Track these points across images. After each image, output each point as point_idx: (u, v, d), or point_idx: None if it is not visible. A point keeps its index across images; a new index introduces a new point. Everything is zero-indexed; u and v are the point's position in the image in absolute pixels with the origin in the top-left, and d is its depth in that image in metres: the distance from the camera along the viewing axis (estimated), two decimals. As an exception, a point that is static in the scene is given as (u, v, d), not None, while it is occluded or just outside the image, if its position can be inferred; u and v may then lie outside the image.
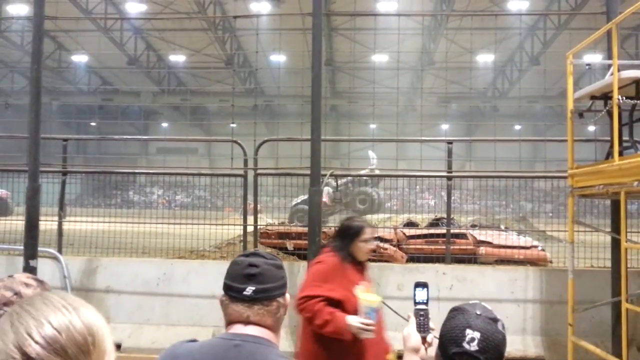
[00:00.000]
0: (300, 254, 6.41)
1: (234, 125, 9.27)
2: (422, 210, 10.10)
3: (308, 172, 5.08)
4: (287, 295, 1.61)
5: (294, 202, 17.42)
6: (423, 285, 1.75)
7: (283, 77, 27.43)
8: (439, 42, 25.17)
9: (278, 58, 26.62)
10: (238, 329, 1.50)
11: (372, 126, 27.69)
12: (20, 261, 5.04)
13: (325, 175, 5.90)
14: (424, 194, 12.12)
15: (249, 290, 1.51)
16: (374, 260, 6.24)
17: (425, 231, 7.58)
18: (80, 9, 22.79)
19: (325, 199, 19.42)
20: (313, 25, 5.41)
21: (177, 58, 30.98)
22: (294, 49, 20.53)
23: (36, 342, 0.77)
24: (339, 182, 15.07)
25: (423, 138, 8.22)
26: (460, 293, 5.60)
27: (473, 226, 8.31)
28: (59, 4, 13.36)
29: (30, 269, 4.78)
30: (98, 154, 30.43)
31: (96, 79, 33.88)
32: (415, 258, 6.58)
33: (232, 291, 1.53)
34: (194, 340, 1.56)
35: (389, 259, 6.68)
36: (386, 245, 6.92)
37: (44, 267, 5.55)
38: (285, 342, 5.15)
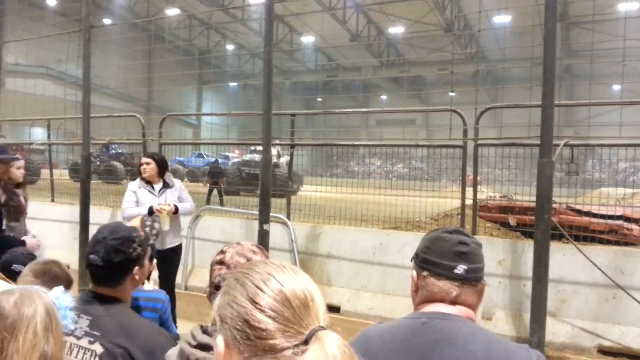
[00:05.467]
0: (525, 232, 5.84)
1: (453, 94, 8.87)
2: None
3: (537, 142, 4.51)
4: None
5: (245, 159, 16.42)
6: None
7: (508, 40, 25.43)
8: None
9: (503, 19, 24.75)
10: (440, 307, 1.46)
11: (617, 87, 23.90)
12: (256, 225, 5.63)
13: (558, 145, 5.19)
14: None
15: (461, 269, 1.46)
16: (617, 243, 5.34)
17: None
18: (308, -9, 24.52)
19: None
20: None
21: (396, 30, 31.16)
22: (521, 7, 18.75)
23: (265, 293, 0.86)
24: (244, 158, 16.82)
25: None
26: None
27: None
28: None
29: (263, 233, 5.31)
30: (324, 128, 32.78)
31: (322, 57, 36.30)
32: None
33: (439, 268, 1.48)
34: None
35: (635, 242, 5.64)
36: (632, 226, 5.85)
37: (275, 231, 6.12)
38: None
